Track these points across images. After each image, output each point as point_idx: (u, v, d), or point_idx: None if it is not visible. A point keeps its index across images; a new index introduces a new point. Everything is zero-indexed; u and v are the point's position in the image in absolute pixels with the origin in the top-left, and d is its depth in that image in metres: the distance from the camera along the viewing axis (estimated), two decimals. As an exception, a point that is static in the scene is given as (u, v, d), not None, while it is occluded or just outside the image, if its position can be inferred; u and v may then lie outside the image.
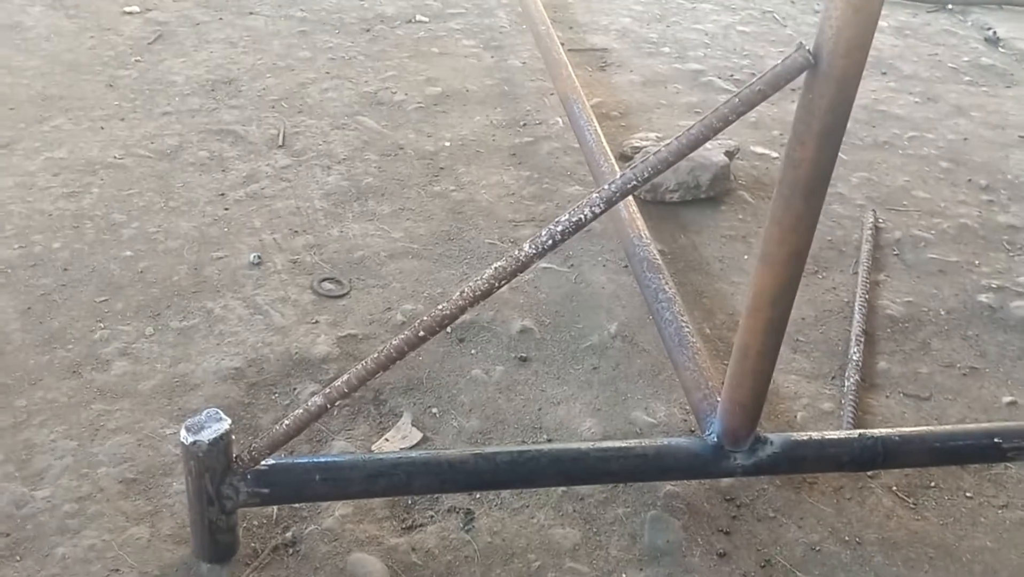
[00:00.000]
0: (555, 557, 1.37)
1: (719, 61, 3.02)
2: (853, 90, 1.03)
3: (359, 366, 1.16)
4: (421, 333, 1.14)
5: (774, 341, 1.23)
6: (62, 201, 2.02)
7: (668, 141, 1.08)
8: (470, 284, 1.13)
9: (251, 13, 3.01)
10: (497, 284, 1.13)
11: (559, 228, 1.11)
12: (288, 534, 1.36)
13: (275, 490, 1.22)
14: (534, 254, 1.11)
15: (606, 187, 1.10)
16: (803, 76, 1.04)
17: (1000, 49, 3.39)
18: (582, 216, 1.10)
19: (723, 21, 3.35)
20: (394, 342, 1.15)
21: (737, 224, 2.17)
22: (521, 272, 1.13)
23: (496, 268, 1.12)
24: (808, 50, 1.02)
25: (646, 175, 1.08)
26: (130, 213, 2.00)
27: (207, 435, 1.17)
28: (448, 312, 1.14)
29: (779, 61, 1.03)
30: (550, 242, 1.11)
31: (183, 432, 1.17)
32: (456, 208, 2.13)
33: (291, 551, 1.34)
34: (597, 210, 1.10)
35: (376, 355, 1.16)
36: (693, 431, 1.58)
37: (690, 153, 1.09)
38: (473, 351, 1.73)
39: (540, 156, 2.36)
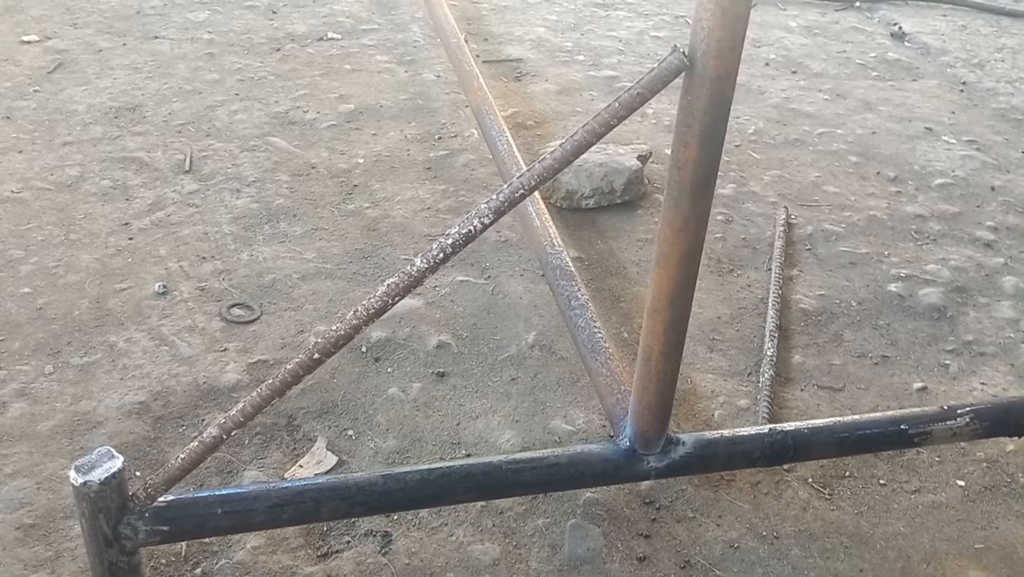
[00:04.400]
0: (474, 574, 1.35)
1: (633, 67, 3.04)
2: (729, 90, 1.04)
3: (254, 394, 1.13)
4: (316, 356, 1.12)
5: (676, 341, 1.23)
6: (-44, 239, 1.95)
7: (553, 148, 1.08)
8: (363, 303, 1.11)
9: (156, 37, 2.95)
10: (391, 300, 1.11)
11: (449, 241, 1.09)
12: (198, 571, 1.32)
13: (175, 526, 1.18)
14: (426, 268, 1.10)
15: (494, 197, 1.08)
16: (682, 79, 1.05)
17: (906, 44, 3.49)
18: (472, 227, 1.09)
19: (636, 27, 3.39)
20: (288, 366, 1.12)
21: (653, 227, 2.18)
22: (415, 287, 1.11)
23: (388, 284, 1.10)
24: (683, 52, 1.03)
25: (533, 183, 1.08)
26: (28, 248, 1.93)
27: (98, 474, 1.12)
28: (343, 332, 1.11)
29: (655, 64, 1.03)
30: (441, 255, 1.09)
31: (72, 473, 1.12)
32: (371, 225, 2.10)
33: (201, 588, 1.30)
34: (487, 220, 1.09)
35: (271, 381, 1.13)
36: (612, 436, 1.58)
37: (575, 159, 1.08)
38: (389, 369, 1.70)
39: (455, 169, 2.35)
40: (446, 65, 2.87)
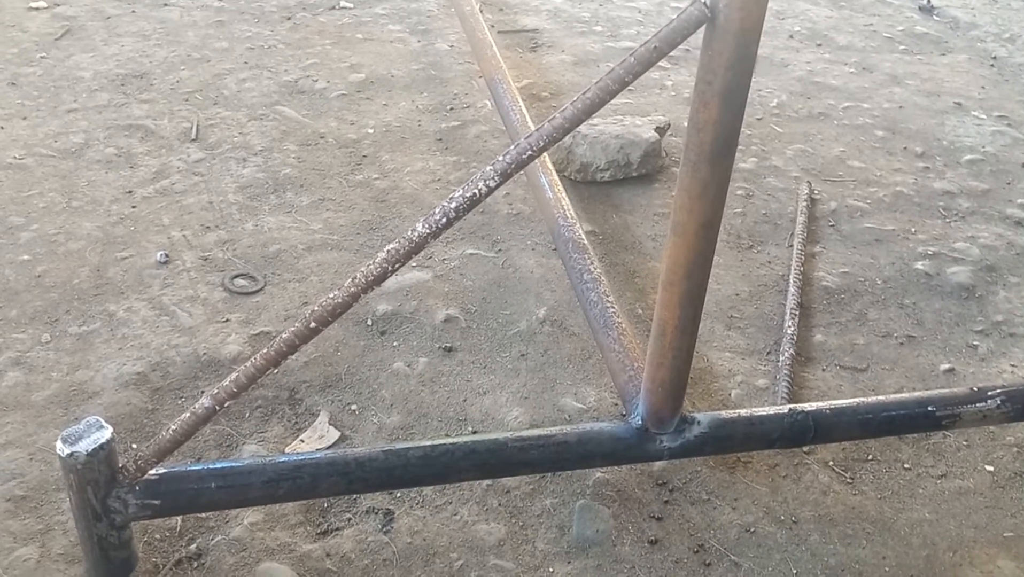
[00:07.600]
0: (479, 554, 1.30)
1: (652, 38, 2.95)
2: (753, 45, 0.97)
3: (248, 363, 1.08)
4: (312, 324, 1.06)
5: (692, 315, 1.17)
6: (-44, 206, 1.91)
7: (564, 107, 1.01)
8: (362, 269, 1.06)
9: (165, 4, 2.89)
10: (391, 268, 1.05)
11: (453, 205, 1.03)
12: (192, 546, 1.28)
13: (167, 501, 1.14)
14: (428, 233, 1.04)
15: (500, 159, 1.02)
16: (702, 34, 0.98)
17: (935, 17, 3.38)
18: (476, 191, 1.03)
19: (657, -2, 3.30)
20: (284, 335, 1.07)
21: (670, 201, 2.11)
22: (416, 253, 1.06)
23: (388, 251, 1.05)
24: (704, 3, 0.96)
25: (542, 144, 1.01)
26: (29, 215, 1.89)
27: (85, 445, 1.08)
28: (340, 300, 1.06)
29: (674, 17, 0.96)
30: (444, 220, 1.04)
31: (59, 443, 1.08)
32: (379, 196, 2.05)
33: (195, 564, 1.26)
34: (492, 184, 1.03)
35: (266, 350, 1.07)
36: (624, 415, 1.52)
37: (587, 118, 1.02)
38: (395, 343, 1.65)
39: (467, 140, 2.29)
40: (460, 35, 2.80)
